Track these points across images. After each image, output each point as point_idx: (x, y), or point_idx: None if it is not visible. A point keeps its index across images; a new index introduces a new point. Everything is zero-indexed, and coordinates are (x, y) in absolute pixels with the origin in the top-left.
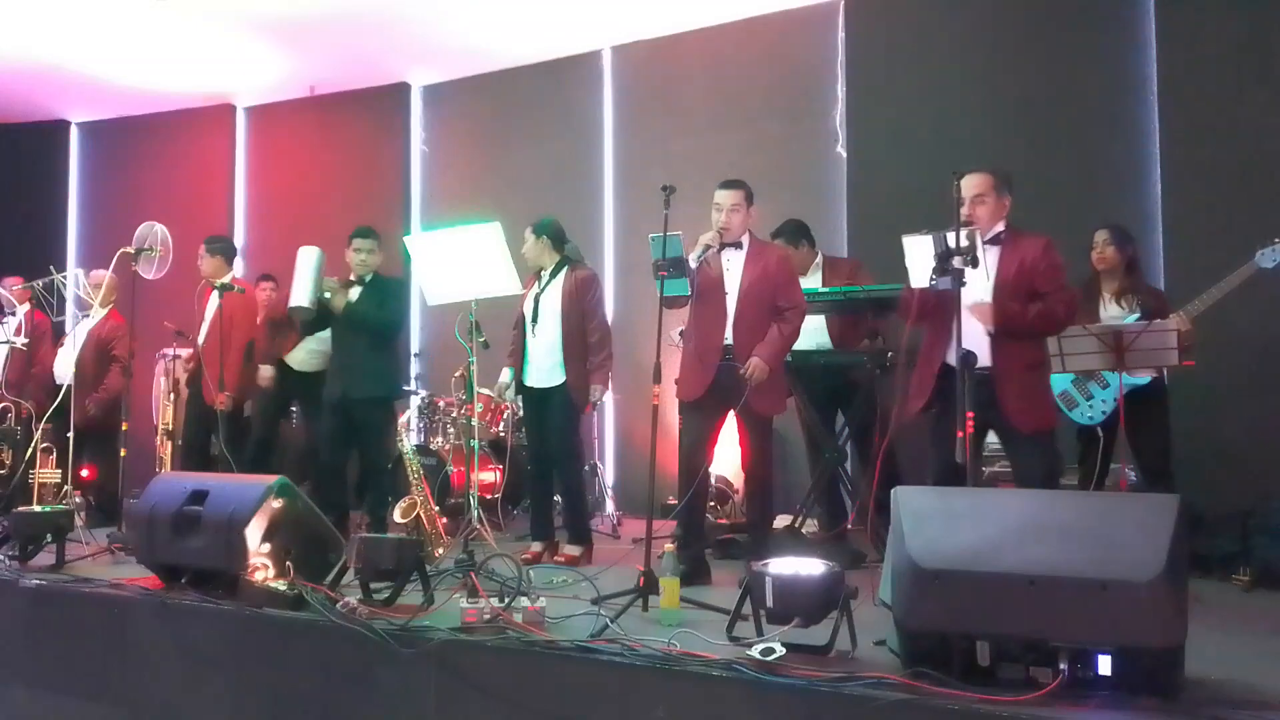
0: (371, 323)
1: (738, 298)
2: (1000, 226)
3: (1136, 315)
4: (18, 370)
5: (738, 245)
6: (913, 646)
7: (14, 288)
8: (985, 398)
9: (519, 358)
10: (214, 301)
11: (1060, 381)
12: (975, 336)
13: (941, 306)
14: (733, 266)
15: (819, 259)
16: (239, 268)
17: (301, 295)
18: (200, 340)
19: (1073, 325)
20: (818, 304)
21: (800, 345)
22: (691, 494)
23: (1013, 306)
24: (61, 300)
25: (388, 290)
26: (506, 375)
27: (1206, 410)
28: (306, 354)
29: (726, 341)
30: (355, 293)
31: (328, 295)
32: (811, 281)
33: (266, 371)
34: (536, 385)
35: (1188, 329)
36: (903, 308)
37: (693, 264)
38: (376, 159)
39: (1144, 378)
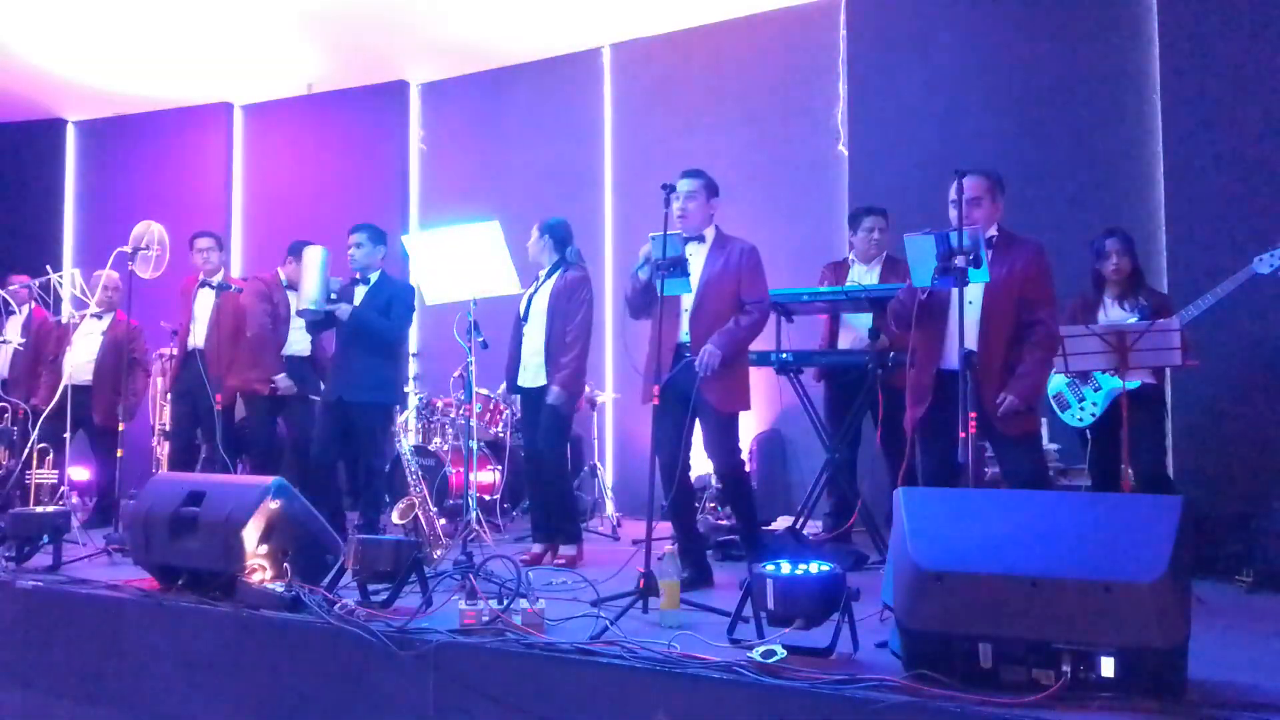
0: (374, 329)
1: (696, 292)
2: (993, 230)
3: (1137, 316)
4: (19, 370)
5: (700, 239)
6: (914, 648)
7: (12, 287)
8: (972, 401)
9: (514, 359)
10: (206, 300)
11: (1056, 382)
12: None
13: (935, 310)
14: (694, 260)
15: (883, 255)
16: (235, 267)
17: (310, 297)
18: (196, 339)
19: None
20: (819, 304)
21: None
22: (675, 496)
23: (1035, 377)
24: (58, 299)
25: (395, 295)
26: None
27: (1209, 411)
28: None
29: (683, 339)
30: (359, 293)
31: (334, 296)
32: (872, 274)
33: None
34: (526, 385)
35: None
36: (896, 311)
37: (642, 276)
38: (374, 157)
39: (1136, 381)
